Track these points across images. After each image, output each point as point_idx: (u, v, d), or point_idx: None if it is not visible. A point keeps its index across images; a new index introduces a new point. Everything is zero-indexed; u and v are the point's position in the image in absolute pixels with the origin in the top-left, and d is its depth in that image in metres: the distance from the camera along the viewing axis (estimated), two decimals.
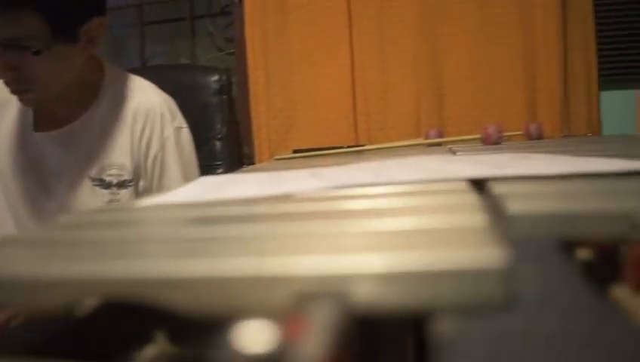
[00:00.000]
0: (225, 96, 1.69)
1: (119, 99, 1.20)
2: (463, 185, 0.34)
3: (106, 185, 1.23)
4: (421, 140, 1.34)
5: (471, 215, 0.24)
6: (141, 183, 1.22)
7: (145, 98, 1.22)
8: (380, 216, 0.26)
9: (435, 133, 1.33)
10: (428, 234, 0.21)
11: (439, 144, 1.28)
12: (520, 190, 0.30)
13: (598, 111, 1.58)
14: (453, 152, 0.88)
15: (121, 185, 1.23)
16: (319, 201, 0.35)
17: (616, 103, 1.63)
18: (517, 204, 0.24)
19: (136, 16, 1.99)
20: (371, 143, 1.59)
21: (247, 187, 0.44)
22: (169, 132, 1.24)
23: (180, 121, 1.27)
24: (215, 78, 1.70)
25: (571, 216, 0.23)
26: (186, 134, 1.28)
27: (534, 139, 1.31)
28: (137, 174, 1.20)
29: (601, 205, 0.23)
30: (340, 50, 1.58)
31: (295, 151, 1.44)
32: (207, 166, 1.56)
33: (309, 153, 1.28)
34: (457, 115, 1.54)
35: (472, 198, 0.29)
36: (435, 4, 1.55)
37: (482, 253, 0.16)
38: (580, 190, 0.31)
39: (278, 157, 1.33)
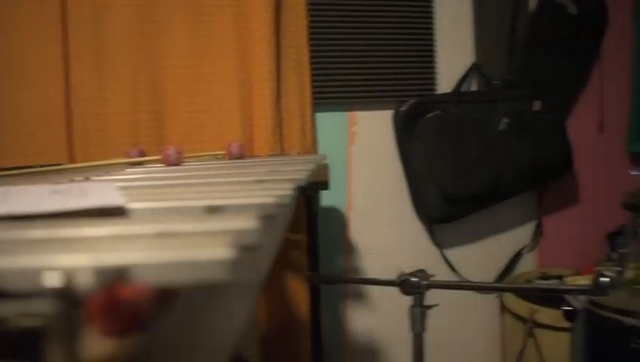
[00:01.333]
0: None
1: None
2: None
3: None
4: (121, 159, 1.32)
5: None
6: None
7: None
8: None
9: (136, 153, 1.33)
10: None
11: (140, 163, 1.27)
12: None
13: (313, 131, 1.70)
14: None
15: None
16: None
17: (330, 123, 1.78)
18: None
19: None
20: (89, 160, 1.53)
21: None
22: None
23: None
24: None
25: None
26: None
27: (235, 158, 1.36)
28: None
29: None
30: (53, 64, 1.49)
31: None
32: None
33: None
34: (178, 133, 1.55)
35: None
36: (153, 21, 1.54)
37: None
38: None
39: None
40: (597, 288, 1.00)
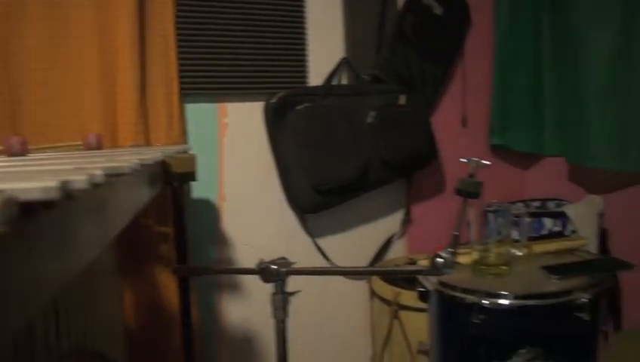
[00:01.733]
0: None
1: None
2: None
3: None
4: None
5: None
6: None
7: None
8: None
9: None
10: None
11: None
12: None
13: (181, 122, 1.68)
14: None
15: None
16: None
17: (201, 115, 1.77)
18: None
19: None
20: None
21: None
22: None
23: None
24: None
25: None
26: None
27: (93, 148, 1.32)
28: None
29: None
30: None
31: None
32: None
33: None
34: (33, 123, 1.48)
35: None
36: (5, 4, 1.46)
37: None
38: None
39: None
40: (433, 268, 1.08)
